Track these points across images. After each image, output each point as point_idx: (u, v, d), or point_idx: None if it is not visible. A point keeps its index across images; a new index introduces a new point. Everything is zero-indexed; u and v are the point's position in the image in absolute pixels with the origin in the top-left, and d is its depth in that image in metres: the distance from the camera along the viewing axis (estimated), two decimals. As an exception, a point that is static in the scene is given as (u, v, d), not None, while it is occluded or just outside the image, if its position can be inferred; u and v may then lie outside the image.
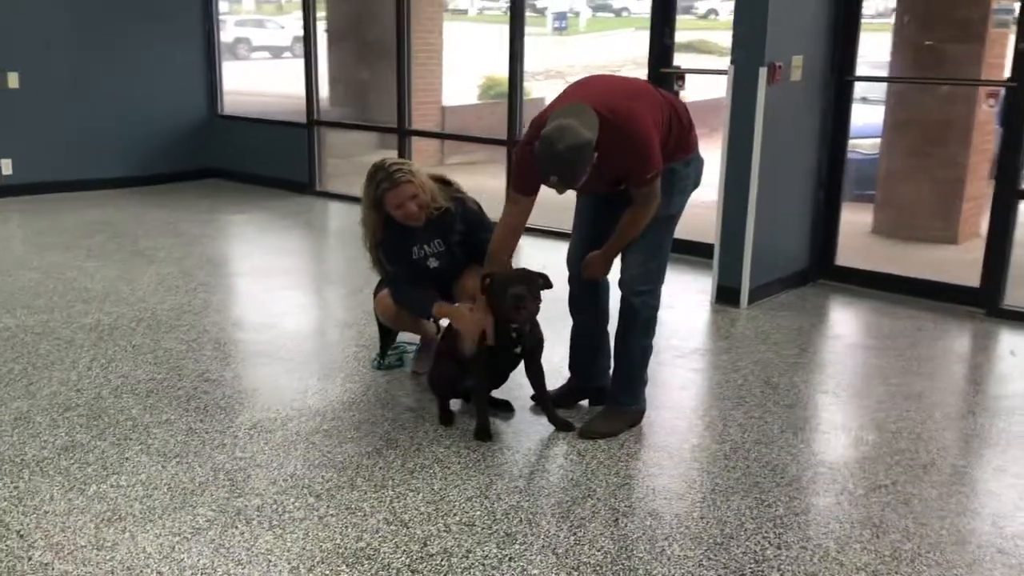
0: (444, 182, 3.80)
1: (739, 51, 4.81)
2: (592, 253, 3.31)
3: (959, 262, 6.23)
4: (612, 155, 2.98)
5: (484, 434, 3.32)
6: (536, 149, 2.94)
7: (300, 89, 8.22)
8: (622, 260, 3.30)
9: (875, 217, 6.91)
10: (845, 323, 4.94)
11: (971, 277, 4.98)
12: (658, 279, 3.30)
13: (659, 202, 3.12)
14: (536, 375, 3.43)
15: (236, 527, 2.72)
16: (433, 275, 3.73)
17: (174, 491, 2.92)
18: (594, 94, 3.05)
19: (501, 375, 3.50)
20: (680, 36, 6.03)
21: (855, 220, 6.94)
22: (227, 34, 22.18)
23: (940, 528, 2.78)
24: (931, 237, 6.65)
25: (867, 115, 7.22)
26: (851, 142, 7.63)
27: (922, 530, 2.77)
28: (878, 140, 6.96)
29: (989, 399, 3.83)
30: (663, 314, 4.90)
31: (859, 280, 5.41)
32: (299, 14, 8.13)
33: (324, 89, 9.56)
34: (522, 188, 3.18)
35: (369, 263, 3.80)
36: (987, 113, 6.33)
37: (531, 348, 3.38)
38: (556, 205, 5.02)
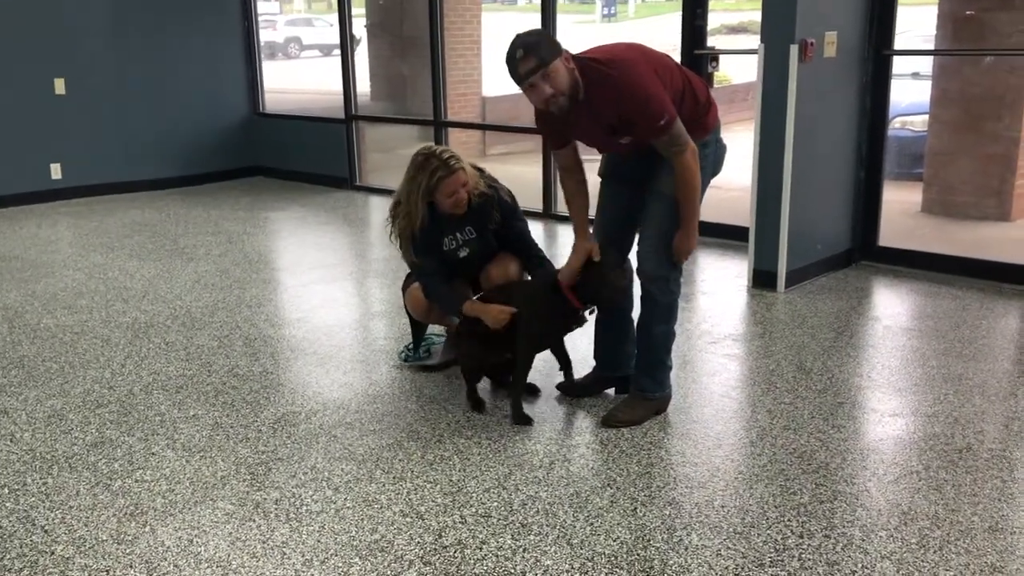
0: (477, 169, 3.75)
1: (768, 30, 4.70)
2: (676, 237, 3.17)
3: (1012, 240, 6.02)
4: (606, 101, 2.97)
5: (523, 419, 3.35)
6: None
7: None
8: (638, 246, 3.24)
9: (924, 195, 6.71)
10: (885, 305, 4.80)
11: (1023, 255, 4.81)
12: (675, 265, 3.22)
13: (694, 149, 3.02)
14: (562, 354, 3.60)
15: (254, 520, 2.73)
16: (463, 265, 3.72)
17: (196, 485, 2.95)
18: (596, 50, 3.06)
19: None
20: (736, 17, 5.93)
21: (907, 199, 6.76)
22: (278, 34, 22.47)
23: (972, 515, 2.68)
24: (983, 215, 6.43)
25: (919, 91, 7.01)
26: (902, 119, 7.48)
27: (953, 516, 2.67)
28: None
29: (1034, 380, 3.69)
30: (698, 299, 4.86)
31: (903, 261, 5.26)
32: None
33: (365, 84, 9.63)
34: (554, 143, 3.25)
35: (401, 254, 3.75)
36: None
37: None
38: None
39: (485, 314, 3.42)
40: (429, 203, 3.55)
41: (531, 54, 2.91)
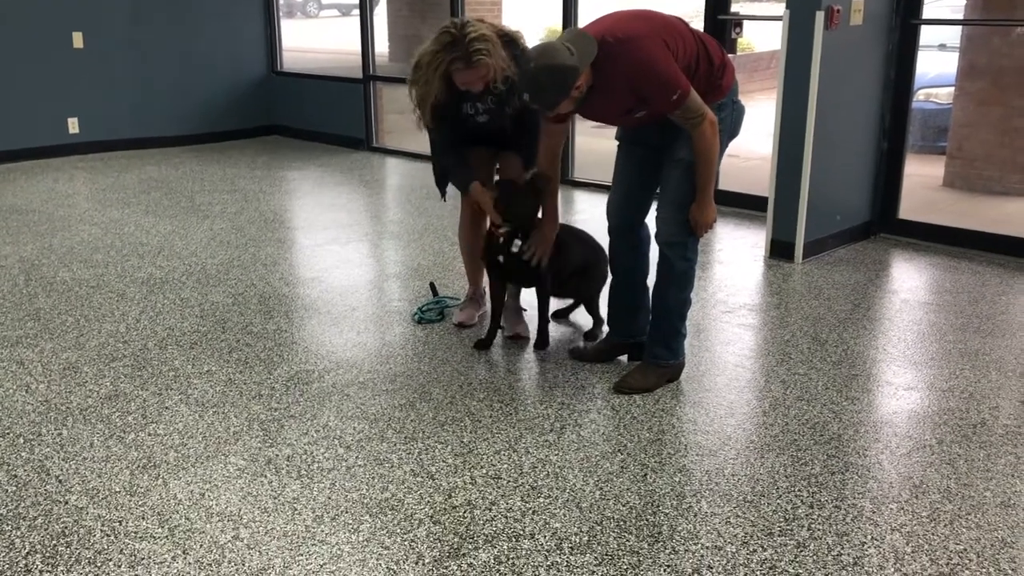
0: (513, 41, 3.48)
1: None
2: (692, 208, 3.13)
3: (1035, 216, 5.96)
4: (617, 83, 2.92)
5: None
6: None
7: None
8: (656, 212, 3.22)
9: (946, 169, 6.63)
10: (904, 279, 4.76)
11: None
12: (692, 231, 3.19)
13: (713, 120, 2.97)
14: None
15: (265, 476, 2.75)
16: (483, 132, 3.66)
17: (208, 440, 2.97)
18: (605, 23, 2.98)
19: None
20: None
21: (929, 173, 6.68)
22: (297, -7, 22.23)
23: (984, 490, 2.66)
24: (1007, 190, 6.35)
25: (946, 63, 6.91)
26: (927, 91, 7.37)
27: (965, 491, 2.66)
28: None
29: (1052, 357, 3.65)
30: (714, 268, 4.83)
31: (923, 234, 5.20)
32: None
33: (383, 44, 9.56)
34: (552, 117, 3.18)
35: (415, 121, 3.65)
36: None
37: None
38: (598, 158, 4.94)
39: (486, 206, 3.52)
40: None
41: (537, 102, 2.90)
